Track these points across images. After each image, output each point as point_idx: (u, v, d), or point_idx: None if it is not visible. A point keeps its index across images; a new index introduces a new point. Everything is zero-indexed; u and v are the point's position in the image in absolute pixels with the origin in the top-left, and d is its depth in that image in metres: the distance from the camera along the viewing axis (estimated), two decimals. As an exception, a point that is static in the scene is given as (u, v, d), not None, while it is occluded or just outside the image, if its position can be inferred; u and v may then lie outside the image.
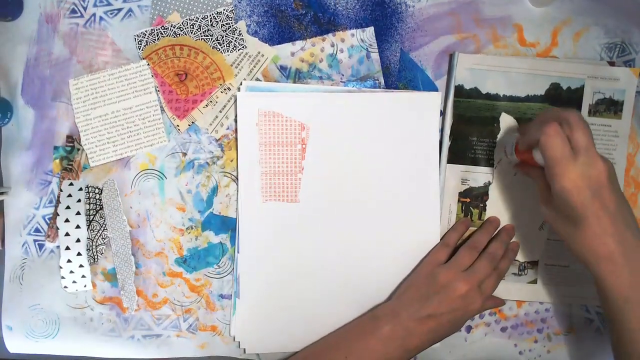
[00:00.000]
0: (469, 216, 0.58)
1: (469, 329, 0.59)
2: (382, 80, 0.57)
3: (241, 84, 0.56)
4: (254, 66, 0.57)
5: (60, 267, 0.57)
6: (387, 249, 0.57)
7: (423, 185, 0.57)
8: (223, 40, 0.56)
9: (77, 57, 0.57)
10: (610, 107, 0.57)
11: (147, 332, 0.58)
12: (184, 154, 0.57)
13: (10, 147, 0.57)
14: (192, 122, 0.57)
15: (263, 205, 0.56)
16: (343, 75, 0.57)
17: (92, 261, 0.57)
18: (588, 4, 0.57)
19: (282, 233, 0.56)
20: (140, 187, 0.57)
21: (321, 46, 0.57)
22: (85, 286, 0.57)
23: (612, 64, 0.57)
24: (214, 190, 0.57)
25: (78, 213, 0.56)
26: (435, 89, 0.57)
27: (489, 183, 0.57)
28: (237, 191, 0.57)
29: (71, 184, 0.57)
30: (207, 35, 0.56)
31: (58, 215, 0.56)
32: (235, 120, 0.56)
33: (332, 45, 0.57)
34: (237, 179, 0.57)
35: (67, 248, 0.56)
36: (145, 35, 0.56)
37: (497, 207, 0.58)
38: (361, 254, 0.57)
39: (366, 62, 0.57)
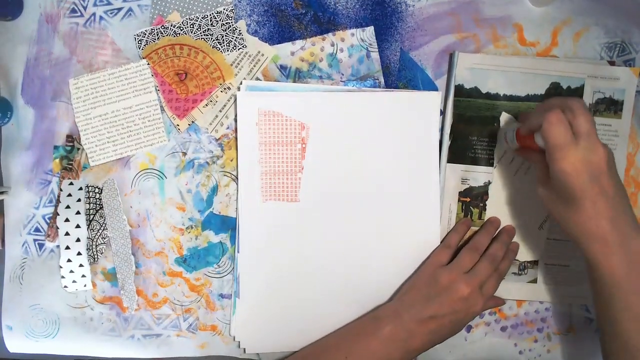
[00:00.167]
0: (469, 216, 0.58)
1: (469, 328, 0.59)
2: (382, 80, 0.57)
3: (241, 83, 0.56)
4: (254, 66, 0.57)
5: (60, 267, 0.57)
6: (387, 248, 0.57)
7: (423, 185, 0.57)
8: (223, 40, 0.56)
9: (77, 56, 0.57)
10: (610, 106, 0.57)
11: (147, 331, 0.58)
12: (184, 154, 0.57)
13: (10, 147, 0.57)
14: (192, 122, 0.57)
15: (263, 204, 0.56)
16: (343, 74, 0.57)
17: (92, 261, 0.57)
18: (588, 4, 0.57)
19: (282, 233, 0.56)
20: (140, 186, 0.57)
21: (321, 45, 0.57)
22: (85, 286, 0.57)
23: (612, 63, 0.57)
24: (214, 190, 0.57)
25: (78, 212, 0.56)
26: (435, 89, 0.57)
27: (489, 182, 0.57)
28: (237, 191, 0.57)
29: (71, 184, 0.57)
30: (207, 35, 0.56)
31: (58, 214, 0.56)
32: (235, 120, 0.56)
33: (332, 45, 0.57)
34: (237, 178, 0.57)
35: (67, 247, 0.56)
36: (145, 34, 0.56)
37: (497, 207, 0.58)
38: (361, 253, 0.57)
39: (366, 62, 0.57)
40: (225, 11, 0.56)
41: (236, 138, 0.56)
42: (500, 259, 0.55)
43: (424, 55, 0.58)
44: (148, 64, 0.56)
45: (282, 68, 0.57)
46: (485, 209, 0.58)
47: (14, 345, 0.58)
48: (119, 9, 0.56)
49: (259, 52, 0.57)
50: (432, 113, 0.56)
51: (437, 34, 0.57)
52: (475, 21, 0.57)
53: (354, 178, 0.56)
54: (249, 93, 0.56)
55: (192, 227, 0.58)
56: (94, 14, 0.57)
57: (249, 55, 0.57)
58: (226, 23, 0.56)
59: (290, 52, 0.57)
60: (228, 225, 0.58)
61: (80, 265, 0.57)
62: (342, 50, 0.57)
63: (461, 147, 0.57)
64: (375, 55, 0.57)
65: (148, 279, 0.58)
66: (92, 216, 0.57)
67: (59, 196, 0.57)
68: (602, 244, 0.45)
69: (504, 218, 0.58)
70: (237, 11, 0.57)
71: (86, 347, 0.58)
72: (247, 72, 0.57)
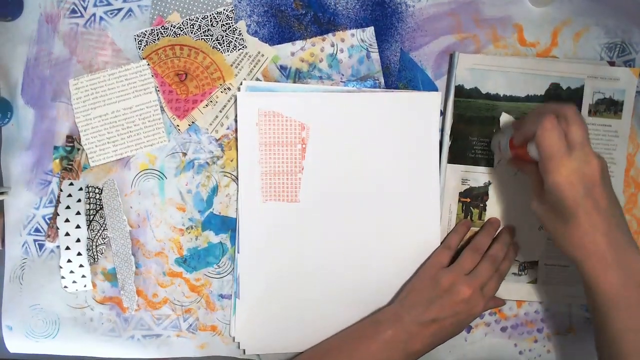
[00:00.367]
0: (469, 216, 0.58)
1: (469, 329, 0.59)
2: (382, 80, 0.57)
3: (241, 83, 0.56)
4: (254, 66, 0.57)
5: (60, 267, 0.57)
6: (387, 248, 0.57)
7: (423, 185, 0.57)
8: (223, 40, 0.56)
9: (77, 57, 0.57)
10: (610, 107, 0.57)
11: (147, 332, 0.58)
12: (184, 154, 0.57)
13: (10, 147, 0.57)
14: (192, 122, 0.57)
15: (263, 205, 0.56)
16: (343, 75, 0.57)
17: (92, 261, 0.57)
18: (588, 4, 0.57)
19: (282, 233, 0.56)
20: (140, 187, 0.57)
21: (321, 46, 0.57)
22: (85, 286, 0.57)
23: (612, 64, 0.58)
24: (214, 190, 0.57)
25: (78, 213, 0.56)
26: (435, 89, 0.57)
27: (489, 183, 0.57)
28: (237, 191, 0.57)
29: (71, 184, 0.57)
30: (207, 35, 0.56)
31: (58, 215, 0.56)
32: (236, 120, 0.56)
33: (332, 45, 0.57)
34: (237, 178, 0.57)
35: (67, 248, 0.56)
36: (145, 35, 0.56)
37: (497, 207, 0.58)
38: (361, 253, 0.57)
39: (366, 62, 0.57)
40: (225, 12, 0.56)
41: (236, 138, 0.56)
42: (501, 260, 0.55)
43: (424, 56, 0.58)
44: (148, 64, 0.56)
45: (282, 68, 0.57)
46: (485, 210, 0.58)
47: (14, 345, 0.58)
48: (119, 10, 0.56)
49: (259, 52, 0.57)
50: (432, 113, 0.56)
51: (437, 35, 0.57)
52: (475, 22, 0.57)
53: (354, 178, 0.56)
54: (249, 93, 0.56)
55: (192, 228, 0.58)
56: (94, 15, 0.57)
57: (249, 56, 0.57)
58: (226, 23, 0.56)
59: (290, 52, 0.57)
60: (228, 225, 0.58)
61: (81, 266, 0.57)
62: (342, 51, 0.57)
63: (461, 148, 0.57)
64: (375, 55, 0.57)
65: (148, 280, 0.58)
66: (92, 216, 0.57)
67: (59, 196, 0.57)
68: (598, 259, 0.45)
69: (504, 218, 0.58)
70: (237, 12, 0.57)
71: (86, 347, 0.58)
72: (247, 73, 0.57)
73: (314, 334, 0.57)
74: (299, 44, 0.57)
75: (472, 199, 0.58)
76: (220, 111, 0.57)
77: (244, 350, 0.58)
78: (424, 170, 0.57)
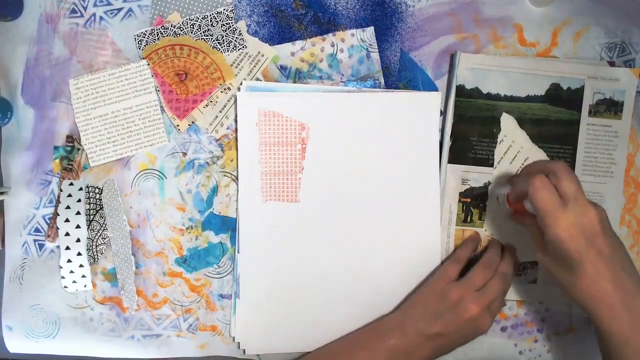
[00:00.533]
0: (469, 216, 0.58)
1: (469, 329, 0.59)
2: (382, 80, 0.57)
3: (241, 83, 0.56)
4: (254, 66, 0.57)
5: (60, 267, 0.57)
6: (387, 248, 0.57)
7: (423, 185, 0.57)
8: (223, 40, 0.56)
9: (77, 57, 0.57)
10: (610, 107, 0.57)
11: (147, 332, 0.58)
12: (184, 154, 0.57)
13: (10, 147, 0.57)
14: (192, 122, 0.57)
15: (263, 205, 0.56)
16: (343, 75, 0.57)
17: (92, 261, 0.57)
18: (588, 4, 0.57)
19: (282, 233, 0.56)
20: (140, 187, 0.57)
21: (321, 46, 0.57)
22: (85, 286, 0.57)
23: (612, 64, 0.57)
24: (214, 190, 0.57)
25: (78, 213, 0.56)
26: (436, 89, 0.57)
27: (489, 183, 0.57)
28: (237, 191, 0.57)
29: (71, 184, 0.57)
30: (207, 35, 0.56)
31: (58, 215, 0.56)
32: (236, 120, 0.56)
33: (332, 45, 0.57)
34: (237, 178, 0.57)
35: (67, 248, 0.56)
36: (145, 35, 0.56)
37: (497, 207, 0.58)
38: (361, 253, 0.57)
39: (366, 62, 0.57)
40: (225, 11, 0.56)
41: (236, 138, 0.56)
42: (510, 278, 0.55)
43: (424, 56, 0.58)
44: (148, 64, 0.56)
45: (282, 68, 0.57)
46: (485, 210, 0.58)
47: (14, 346, 0.58)
48: (119, 10, 0.56)
49: (259, 52, 0.57)
50: (433, 113, 0.56)
51: (437, 35, 0.57)
52: (475, 21, 0.57)
53: (354, 178, 0.56)
54: (249, 93, 0.56)
55: (192, 228, 0.58)
56: (94, 15, 0.56)
57: (249, 56, 0.57)
58: (226, 23, 0.56)
59: (291, 52, 0.57)
60: (228, 225, 0.58)
61: (81, 266, 0.57)
62: (342, 51, 0.57)
63: (462, 148, 0.57)
64: (375, 55, 0.57)
65: (148, 280, 0.58)
66: (92, 216, 0.57)
67: (59, 196, 0.57)
68: (607, 307, 0.45)
69: (504, 219, 0.58)
70: (237, 12, 0.57)
71: (86, 347, 0.58)
72: (247, 73, 0.57)
73: (314, 334, 0.57)
74: (299, 44, 0.57)
75: (472, 199, 0.58)
76: (220, 111, 0.57)
77: (244, 350, 0.58)
78: (424, 170, 0.57)
